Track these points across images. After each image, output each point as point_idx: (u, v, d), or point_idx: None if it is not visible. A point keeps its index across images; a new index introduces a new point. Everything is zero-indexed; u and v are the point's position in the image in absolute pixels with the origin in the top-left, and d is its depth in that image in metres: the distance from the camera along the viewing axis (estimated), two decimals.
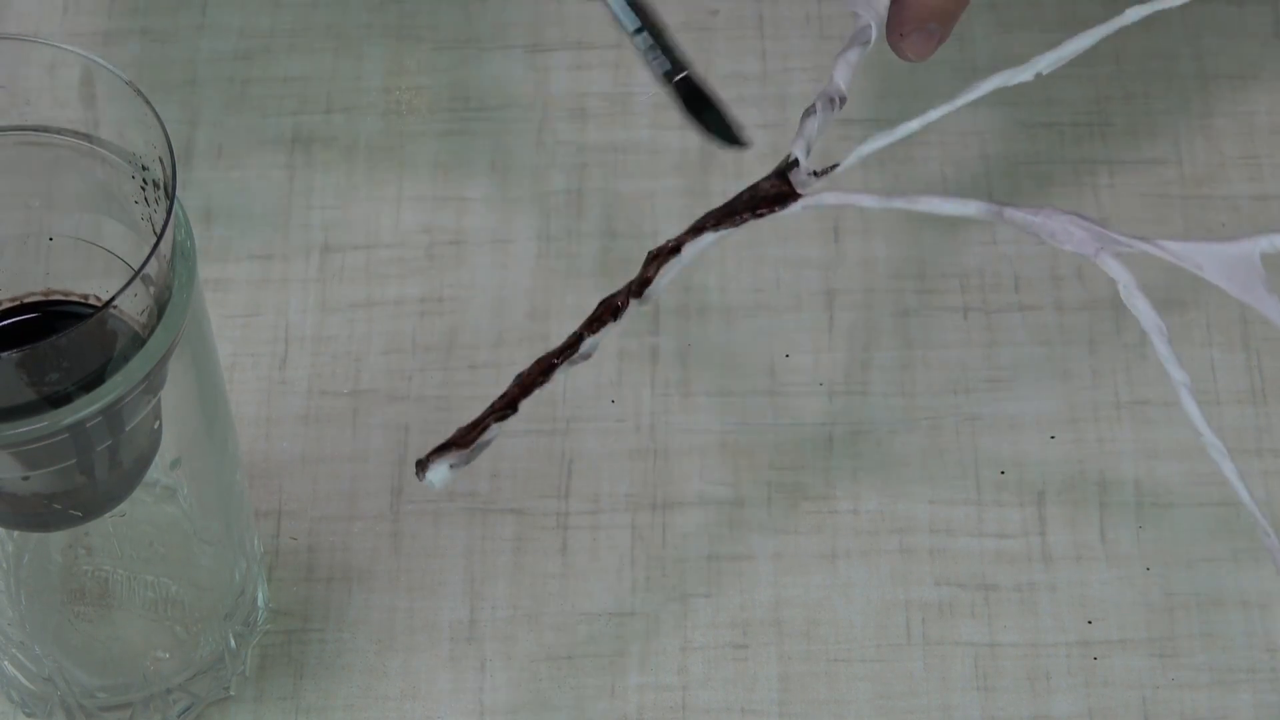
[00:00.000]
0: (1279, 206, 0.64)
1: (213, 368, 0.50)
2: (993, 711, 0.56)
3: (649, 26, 0.52)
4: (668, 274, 0.50)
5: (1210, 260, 0.49)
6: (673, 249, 0.50)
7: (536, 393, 0.50)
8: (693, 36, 0.67)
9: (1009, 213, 0.50)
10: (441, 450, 0.48)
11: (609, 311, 0.50)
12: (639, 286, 0.50)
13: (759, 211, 0.51)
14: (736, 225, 0.50)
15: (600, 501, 0.59)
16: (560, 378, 0.61)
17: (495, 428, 0.49)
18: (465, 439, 0.48)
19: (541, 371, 0.49)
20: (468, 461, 0.48)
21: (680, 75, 0.52)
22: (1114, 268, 0.49)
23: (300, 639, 0.57)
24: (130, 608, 0.54)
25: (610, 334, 0.50)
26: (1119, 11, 0.67)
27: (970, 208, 0.50)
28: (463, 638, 0.57)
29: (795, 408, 0.61)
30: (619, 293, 0.50)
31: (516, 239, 0.64)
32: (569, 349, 0.50)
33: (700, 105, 0.52)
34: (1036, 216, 0.49)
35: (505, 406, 0.49)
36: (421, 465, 0.48)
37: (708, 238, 0.50)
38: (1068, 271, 0.63)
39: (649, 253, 0.50)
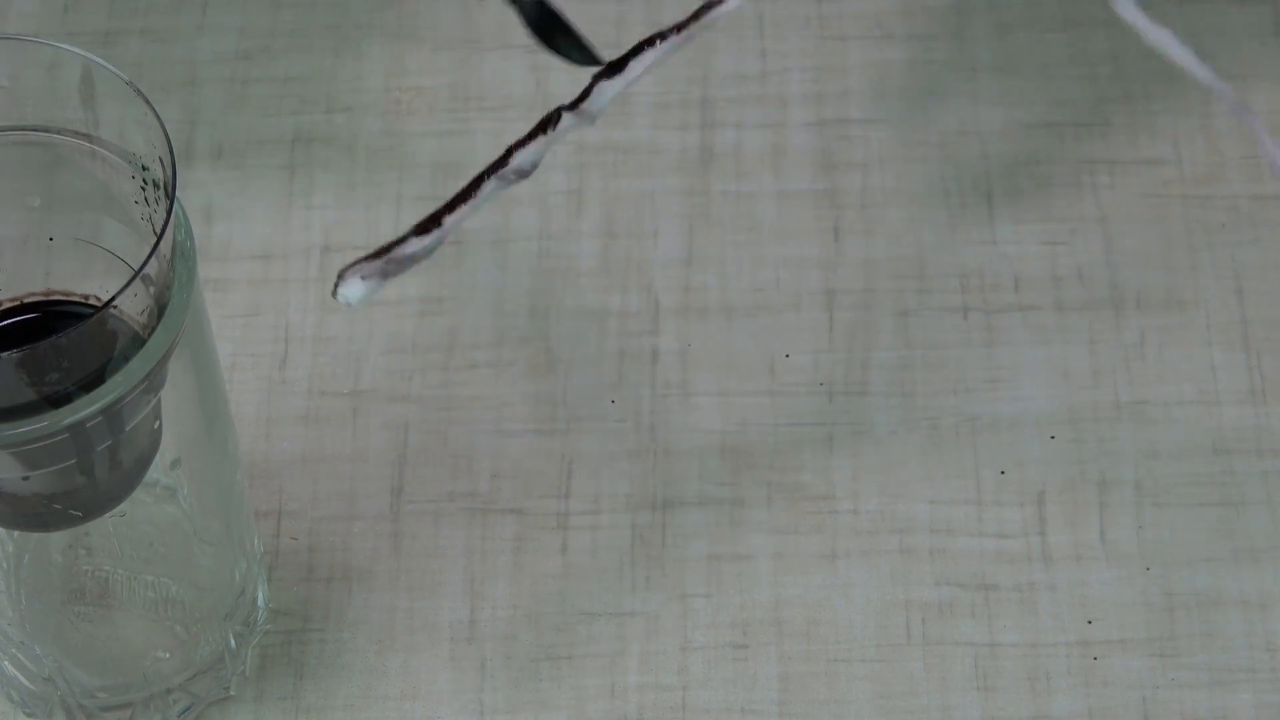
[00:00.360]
0: (1279, 206, 0.64)
1: (213, 368, 0.50)
2: (993, 711, 0.56)
3: None
4: (609, 89, 0.49)
5: None
6: (615, 65, 0.49)
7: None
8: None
9: None
10: (357, 264, 0.46)
11: (544, 124, 0.48)
12: (577, 100, 0.49)
13: (699, 15, 0.49)
14: (680, 34, 0.49)
15: (600, 501, 0.59)
16: (560, 377, 0.61)
17: (416, 242, 0.47)
18: (382, 250, 0.46)
19: (471, 185, 0.48)
20: (384, 277, 0.46)
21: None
22: None
23: (300, 639, 0.57)
24: (130, 608, 0.54)
25: (548, 146, 0.48)
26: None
27: None
28: (463, 638, 0.57)
29: (795, 408, 0.61)
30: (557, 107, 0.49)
31: (516, 239, 0.64)
32: (500, 162, 0.48)
33: (551, 27, 0.50)
34: None
35: (429, 220, 0.47)
36: (337, 280, 0.46)
37: (650, 54, 0.49)
38: (1068, 271, 0.63)
39: (594, 74, 0.49)
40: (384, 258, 0.46)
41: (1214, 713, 0.56)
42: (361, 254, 0.60)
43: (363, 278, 0.46)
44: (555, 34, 0.49)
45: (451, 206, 0.47)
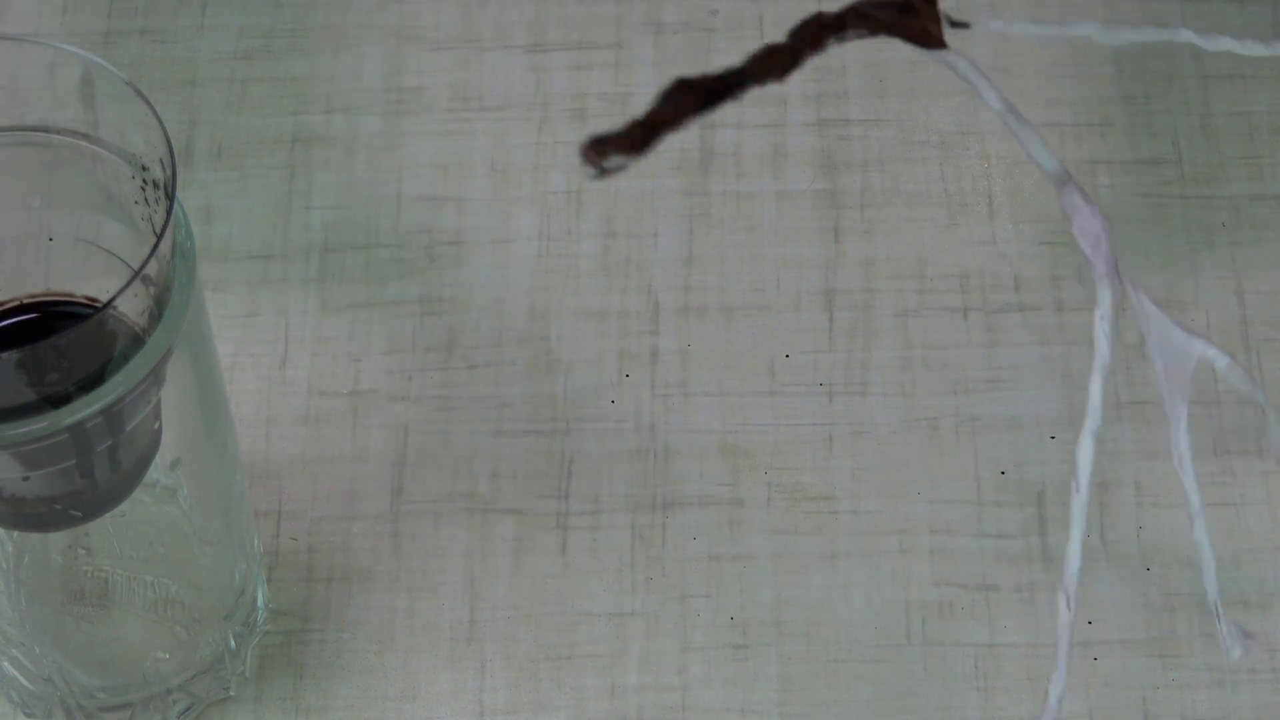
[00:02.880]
0: (1279, 206, 0.64)
1: (213, 368, 0.50)
2: (993, 712, 0.56)
3: None
4: None
5: (1158, 329, 0.48)
6: None
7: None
8: (693, 36, 0.67)
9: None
10: (623, 146, 0.41)
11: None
12: None
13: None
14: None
15: (600, 501, 0.59)
16: (560, 377, 0.61)
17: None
18: (639, 128, 0.41)
19: (811, 39, 0.42)
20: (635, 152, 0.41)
21: None
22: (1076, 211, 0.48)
23: (300, 639, 0.57)
24: (130, 608, 0.54)
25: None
26: (1119, 10, 0.68)
27: (1051, 164, 0.46)
28: (463, 638, 0.57)
29: (795, 408, 0.61)
30: None
31: (516, 239, 0.64)
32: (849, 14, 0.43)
33: None
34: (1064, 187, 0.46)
35: (721, 89, 0.42)
36: (599, 149, 0.40)
37: None
38: (1068, 271, 0.63)
39: None
40: (641, 144, 0.41)
41: (1214, 713, 0.56)
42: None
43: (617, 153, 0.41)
44: None
45: (782, 67, 0.42)
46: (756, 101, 0.66)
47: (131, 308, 0.45)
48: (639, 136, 0.41)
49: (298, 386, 0.61)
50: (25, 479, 0.46)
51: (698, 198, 0.64)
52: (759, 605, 0.58)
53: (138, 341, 0.45)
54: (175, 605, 0.54)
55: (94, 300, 0.48)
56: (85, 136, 0.46)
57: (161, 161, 0.45)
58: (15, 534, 0.52)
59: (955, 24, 0.46)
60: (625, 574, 0.58)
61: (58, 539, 0.52)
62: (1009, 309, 0.62)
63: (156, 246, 0.44)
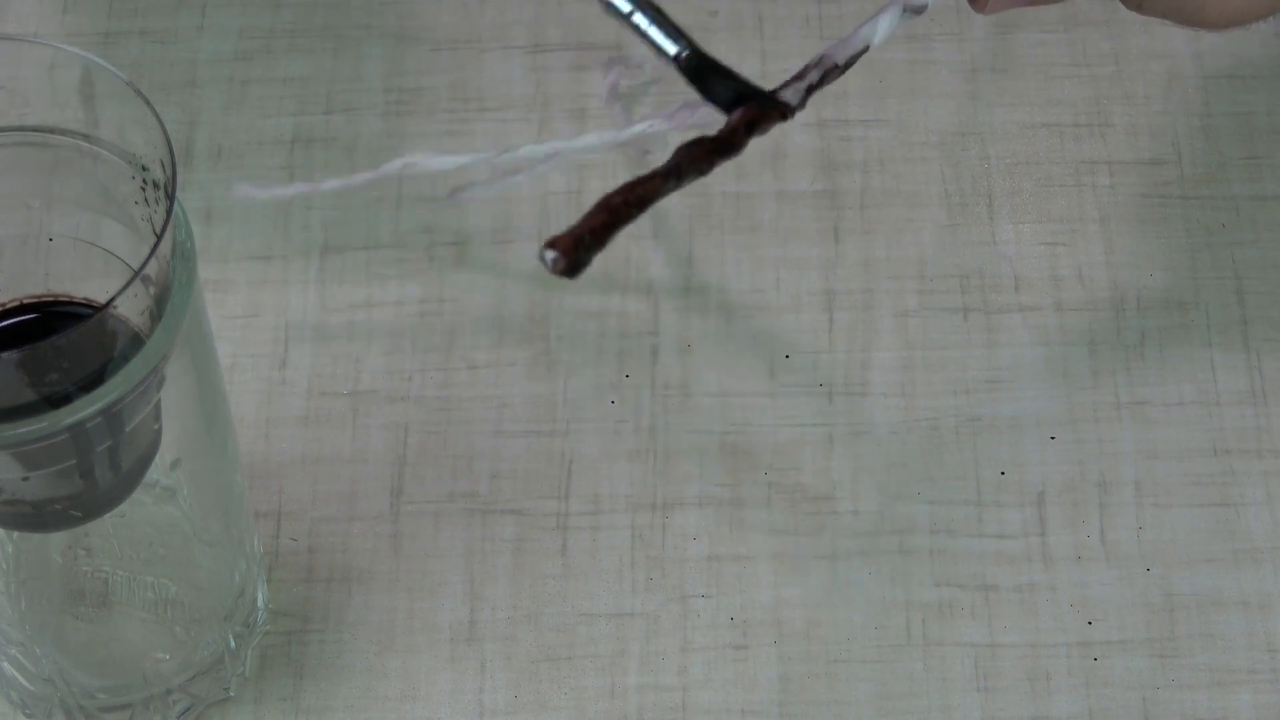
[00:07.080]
0: (1279, 207, 0.64)
1: (213, 368, 0.50)
2: (993, 712, 0.56)
3: (644, 6, 0.51)
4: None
5: None
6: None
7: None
8: (693, 37, 0.67)
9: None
10: (585, 243, 0.44)
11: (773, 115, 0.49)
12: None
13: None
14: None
15: (600, 502, 0.59)
16: (560, 377, 0.61)
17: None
18: (602, 223, 0.45)
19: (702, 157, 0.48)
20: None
21: (688, 53, 0.51)
22: None
23: (300, 640, 0.57)
24: (130, 609, 0.54)
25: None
26: (1118, 12, 0.67)
27: None
28: (463, 638, 0.57)
29: (795, 408, 0.61)
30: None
31: (516, 239, 0.64)
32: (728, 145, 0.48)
33: (715, 79, 0.52)
34: None
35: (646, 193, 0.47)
36: (574, 247, 0.44)
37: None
38: (1068, 272, 0.63)
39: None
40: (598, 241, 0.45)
41: (1214, 713, 0.56)
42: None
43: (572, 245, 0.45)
44: (719, 84, 0.51)
45: (679, 174, 0.48)
46: None
47: (131, 308, 0.45)
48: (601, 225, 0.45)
49: (298, 386, 0.61)
50: (25, 479, 0.46)
51: (698, 198, 0.64)
52: (759, 605, 0.58)
53: (138, 341, 0.45)
54: (175, 605, 0.54)
55: (94, 300, 0.48)
56: (85, 136, 0.46)
57: (161, 162, 0.45)
58: (15, 534, 0.52)
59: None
60: (625, 574, 0.58)
61: (58, 539, 0.52)
62: (1009, 309, 0.62)
63: (156, 246, 0.44)
